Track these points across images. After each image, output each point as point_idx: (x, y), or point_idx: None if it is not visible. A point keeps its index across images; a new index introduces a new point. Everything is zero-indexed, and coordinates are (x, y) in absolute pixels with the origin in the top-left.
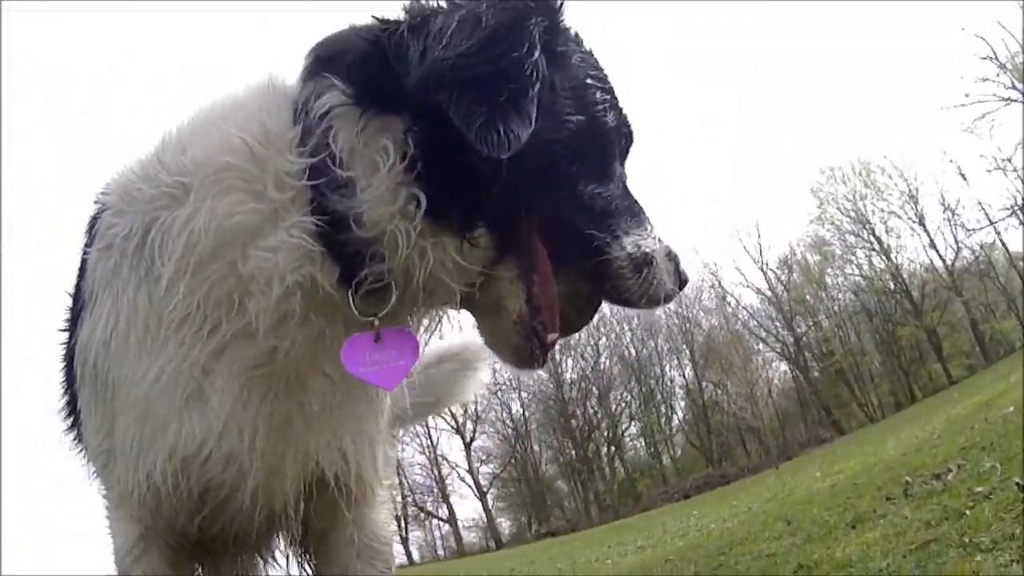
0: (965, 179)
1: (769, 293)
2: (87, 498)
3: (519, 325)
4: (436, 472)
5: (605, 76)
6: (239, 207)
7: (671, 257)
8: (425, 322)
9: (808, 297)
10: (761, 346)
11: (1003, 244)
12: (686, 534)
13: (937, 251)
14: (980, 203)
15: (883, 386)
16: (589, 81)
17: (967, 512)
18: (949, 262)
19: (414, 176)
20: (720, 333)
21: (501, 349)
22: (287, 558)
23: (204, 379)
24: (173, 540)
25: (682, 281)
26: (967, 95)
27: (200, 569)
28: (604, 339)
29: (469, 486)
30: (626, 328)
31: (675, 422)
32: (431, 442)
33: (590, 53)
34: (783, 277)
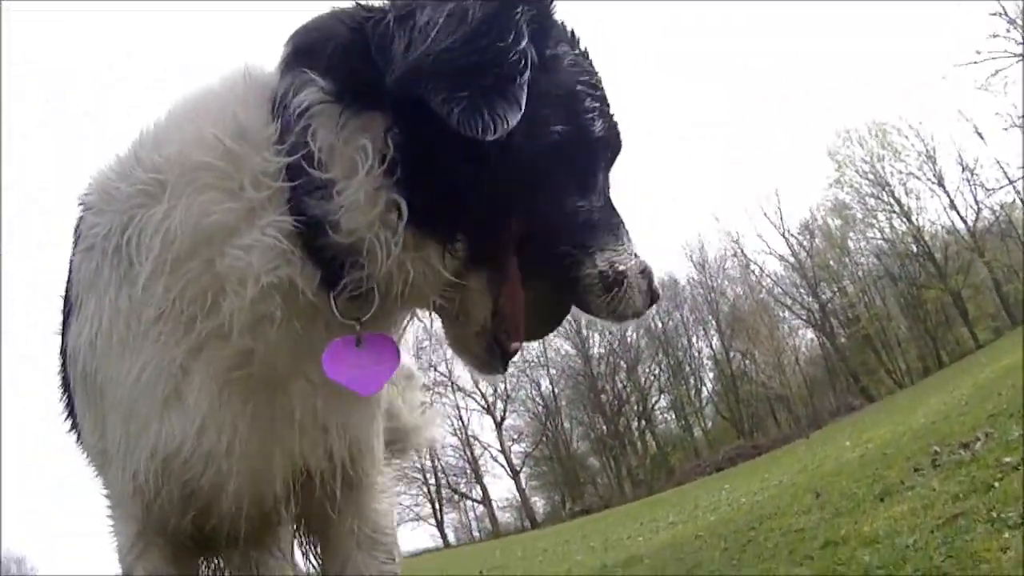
0: (982, 137)
1: (792, 260)
2: (87, 498)
3: (482, 335)
4: (468, 453)
5: (597, 81)
6: (215, 206)
7: (644, 274)
8: (403, 324)
9: (831, 262)
10: (787, 314)
11: (1023, 203)
12: (717, 508)
13: (958, 212)
14: (998, 161)
15: (910, 351)
16: (579, 88)
17: (995, 484)
18: (970, 223)
19: (394, 180)
20: (745, 302)
21: (463, 354)
22: (304, 555)
23: (182, 378)
24: (172, 537)
25: (652, 299)
26: (979, 52)
27: (208, 565)
28: None
29: (502, 466)
30: None
31: (704, 393)
32: (462, 423)
33: (583, 55)
34: (805, 243)
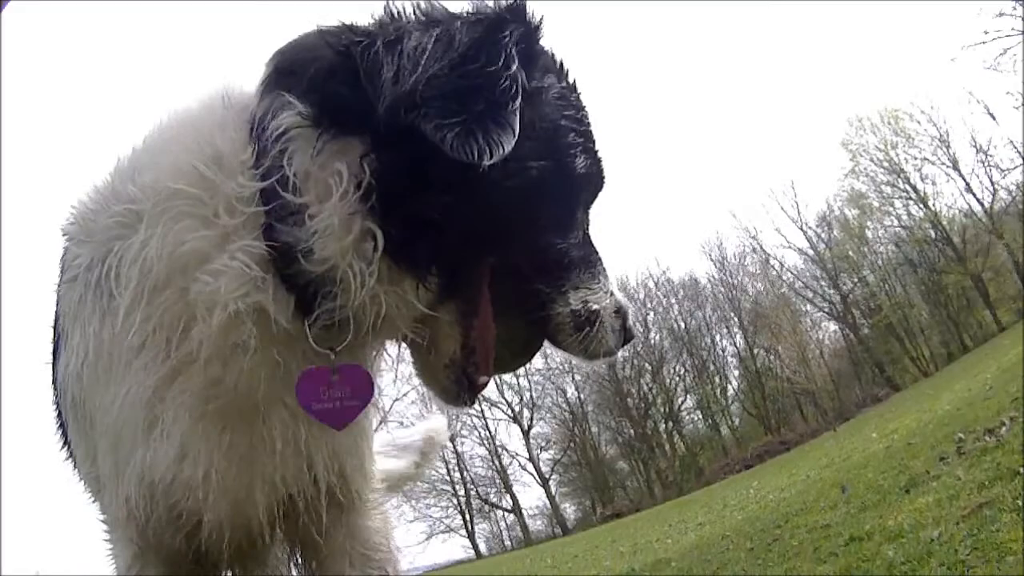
0: (994, 118)
1: (811, 252)
2: (86, 497)
3: (451, 368)
4: (497, 463)
5: (583, 116)
6: (190, 234)
7: (619, 313)
8: (374, 355)
9: (850, 253)
10: (808, 307)
11: None
12: (745, 507)
13: (974, 194)
14: (1011, 141)
15: (933, 338)
16: (563, 122)
17: (1021, 470)
18: (987, 205)
19: (368, 207)
20: (767, 297)
21: (431, 385)
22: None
23: (159, 406)
24: (168, 558)
25: (627, 339)
26: (986, 32)
27: None
28: (652, 314)
29: (531, 474)
30: (672, 301)
31: (730, 392)
32: (489, 433)
33: (571, 88)
34: (823, 234)
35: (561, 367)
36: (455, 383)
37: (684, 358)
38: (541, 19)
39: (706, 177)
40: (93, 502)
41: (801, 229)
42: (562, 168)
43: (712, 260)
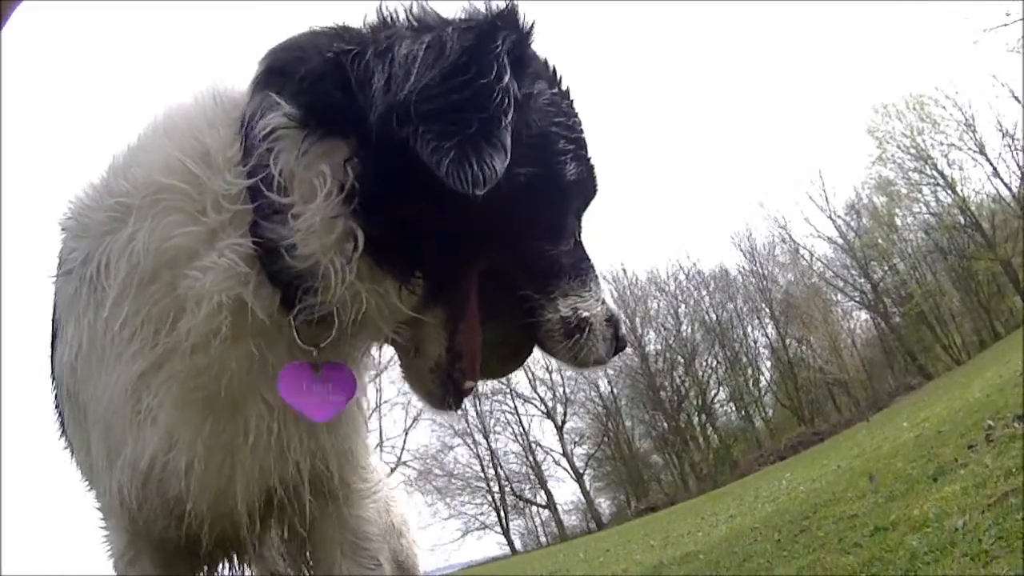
0: (1019, 100)
1: (841, 241)
2: (87, 497)
3: (436, 372)
4: (531, 458)
5: (575, 123)
6: (177, 228)
7: (611, 322)
8: (361, 356)
9: (880, 241)
10: (839, 296)
11: None
12: (776, 499)
13: (1001, 179)
14: None
15: (965, 325)
16: (553, 129)
17: None
18: (1015, 189)
19: (351, 209)
20: (797, 288)
21: (417, 389)
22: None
23: (146, 392)
24: (161, 545)
25: (619, 347)
26: (1008, 14)
27: (205, 572)
28: (683, 306)
29: (565, 469)
30: (703, 293)
31: (763, 383)
32: (523, 428)
33: (562, 94)
34: (852, 223)
35: None
36: (440, 387)
37: (716, 350)
38: (533, 24)
39: (733, 168)
40: (89, 490)
41: (830, 218)
42: (551, 175)
43: (742, 251)
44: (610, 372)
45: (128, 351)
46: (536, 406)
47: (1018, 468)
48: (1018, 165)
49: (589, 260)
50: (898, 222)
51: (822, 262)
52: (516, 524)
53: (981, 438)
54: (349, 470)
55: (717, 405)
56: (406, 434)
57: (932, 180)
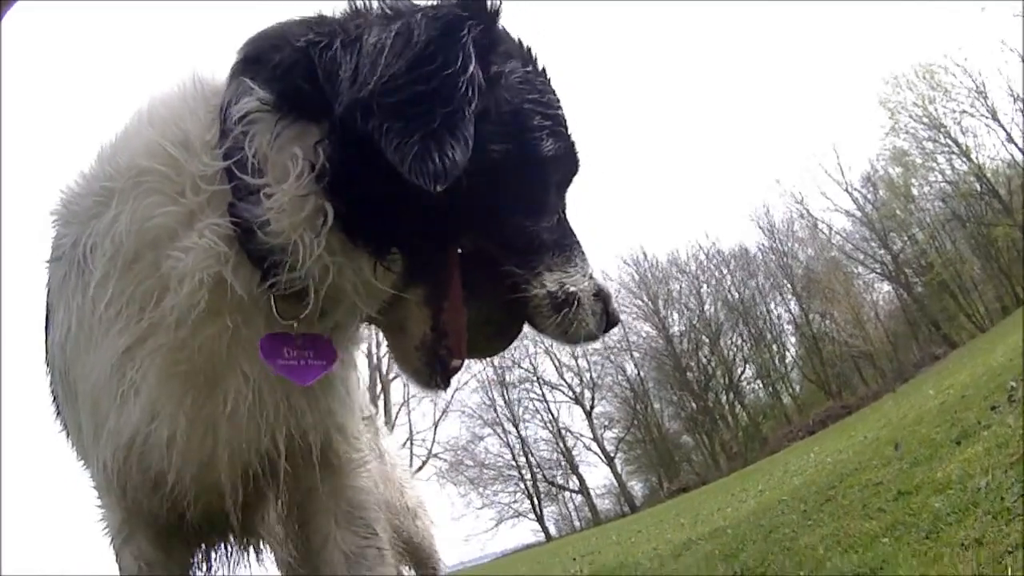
0: None
1: (859, 214)
2: (87, 496)
3: (422, 350)
4: (561, 444)
5: (550, 100)
6: (157, 209)
7: (600, 297)
8: (347, 333)
9: (898, 211)
10: (860, 269)
11: None
12: (804, 472)
13: (1016, 144)
14: None
15: (987, 292)
16: (527, 106)
17: None
18: None
19: (322, 187)
20: (818, 262)
21: (404, 368)
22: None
23: (130, 365)
24: (154, 521)
25: (610, 322)
26: None
27: (202, 549)
28: (705, 286)
29: (596, 454)
30: (725, 272)
31: (788, 359)
32: (552, 415)
33: (537, 72)
34: (869, 195)
35: (619, 345)
36: (427, 365)
37: (740, 328)
38: (500, 6)
39: (748, 147)
40: (85, 470)
41: (847, 191)
42: (526, 150)
43: (761, 228)
44: (636, 355)
45: (114, 328)
46: (564, 392)
47: None
48: None
49: (574, 236)
50: (915, 192)
51: (841, 235)
52: (550, 510)
53: (1004, 399)
54: (339, 440)
55: (744, 383)
56: (436, 427)
57: (946, 148)
